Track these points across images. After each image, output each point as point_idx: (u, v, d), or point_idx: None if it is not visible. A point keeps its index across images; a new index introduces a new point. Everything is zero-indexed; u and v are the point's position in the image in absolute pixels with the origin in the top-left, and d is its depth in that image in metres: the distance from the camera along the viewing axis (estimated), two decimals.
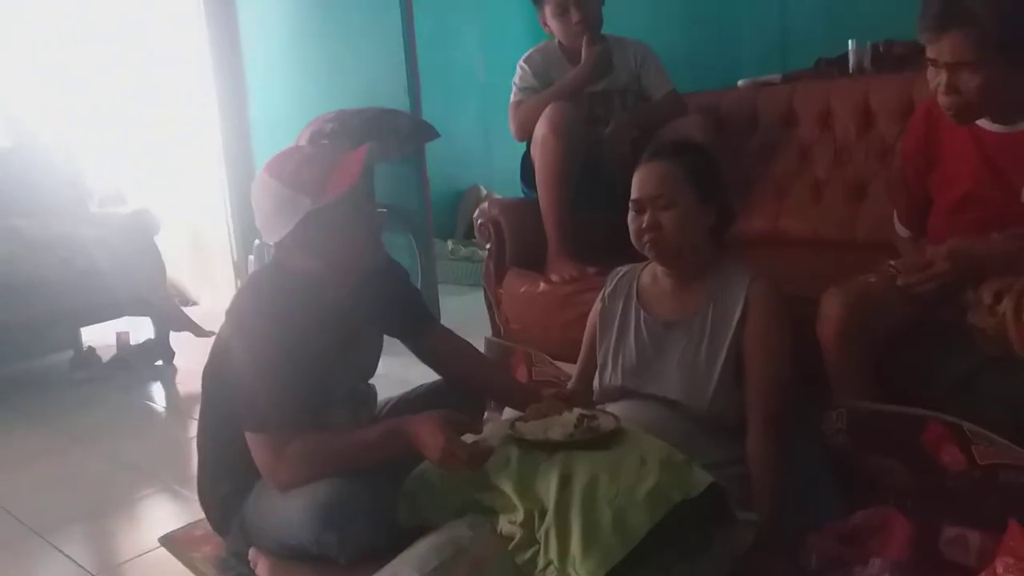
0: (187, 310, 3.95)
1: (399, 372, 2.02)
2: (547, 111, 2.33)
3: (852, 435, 1.63)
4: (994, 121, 1.67)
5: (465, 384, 1.87)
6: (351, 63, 3.73)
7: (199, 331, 3.56)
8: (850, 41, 2.47)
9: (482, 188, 4.92)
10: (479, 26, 4.75)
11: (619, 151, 2.36)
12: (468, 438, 1.54)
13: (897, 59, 2.41)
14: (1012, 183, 1.65)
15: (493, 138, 4.67)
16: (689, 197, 1.66)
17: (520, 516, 1.43)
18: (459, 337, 1.90)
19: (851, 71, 2.49)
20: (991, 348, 1.56)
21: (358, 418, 1.76)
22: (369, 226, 1.66)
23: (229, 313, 1.65)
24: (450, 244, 4.72)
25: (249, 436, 1.57)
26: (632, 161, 1.78)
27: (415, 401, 1.85)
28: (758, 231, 2.50)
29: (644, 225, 1.67)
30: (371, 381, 1.86)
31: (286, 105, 4.09)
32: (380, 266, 1.72)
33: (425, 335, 1.85)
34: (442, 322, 3.67)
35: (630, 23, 2.71)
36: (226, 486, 1.70)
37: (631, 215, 1.71)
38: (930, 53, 1.60)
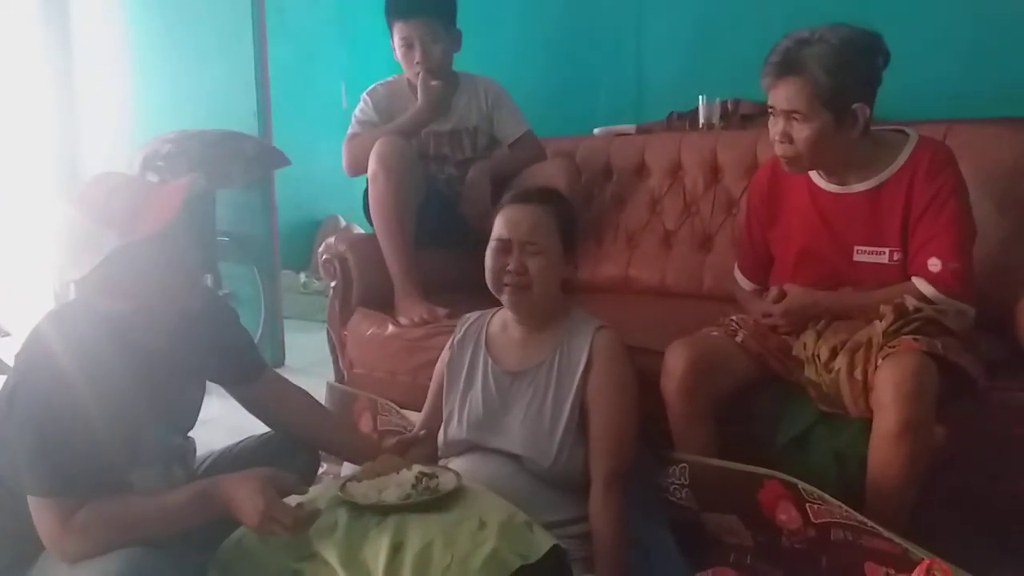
0: None
1: (230, 418, 1.83)
2: (376, 146, 2.27)
3: (694, 491, 1.63)
4: (829, 180, 1.75)
5: (299, 436, 1.72)
6: (197, 82, 3.53)
7: (4, 368, 3.18)
8: (700, 97, 2.55)
9: (341, 218, 4.76)
10: (343, 53, 4.64)
11: (478, 196, 2.32)
12: (293, 499, 1.40)
13: (743, 117, 2.50)
14: (845, 241, 1.73)
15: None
16: (556, 247, 1.65)
17: None
18: (292, 385, 1.76)
19: (701, 126, 2.56)
20: (825, 403, 1.60)
21: (172, 477, 1.57)
22: (188, 266, 1.50)
23: (18, 355, 1.44)
24: (302, 277, 4.52)
25: (31, 500, 1.36)
26: (489, 204, 1.73)
27: (239, 456, 1.68)
28: (609, 278, 2.52)
29: (510, 267, 1.62)
30: (193, 431, 1.68)
31: (122, 123, 3.80)
32: (199, 307, 1.55)
33: (252, 383, 1.69)
34: (287, 361, 3.53)
35: (488, 62, 2.69)
36: (5, 557, 1.46)
37: (493, 254, 1.66)
38: (769, 100, 1.68)
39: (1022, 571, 1.48)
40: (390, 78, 2.53)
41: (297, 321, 3.92)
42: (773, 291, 1.75)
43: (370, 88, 2.49)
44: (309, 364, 3.11)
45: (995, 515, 1.56)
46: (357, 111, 2.47)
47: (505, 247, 1.64)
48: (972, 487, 1.55)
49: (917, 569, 1.18)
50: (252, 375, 1.70)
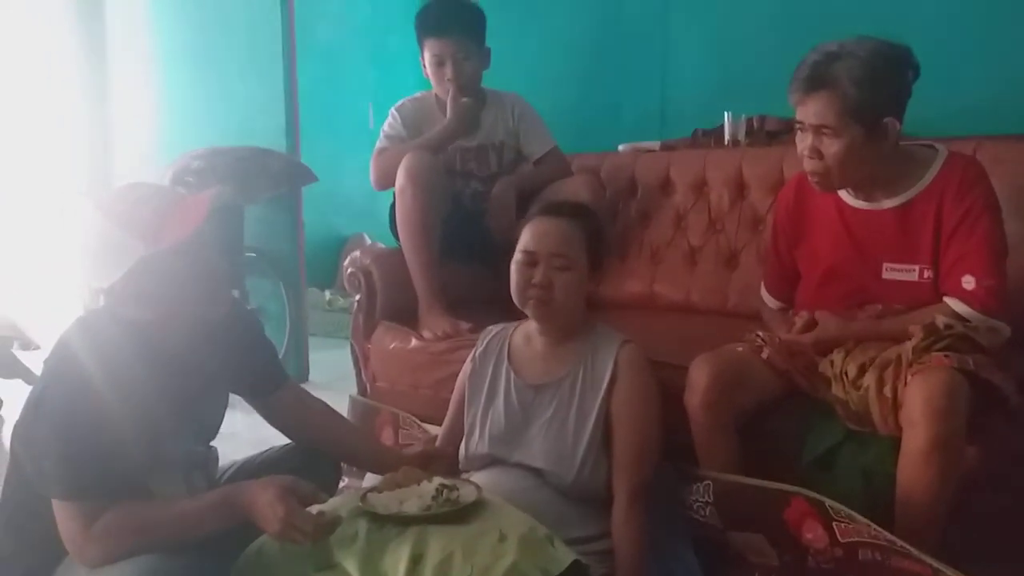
0: (27, 354, 3.59)
1: (254, 431, 1.84)
2: (404, 161, 2.28)
3: (718, 508, 1.60)
4: (857, 197, 1.73)
5: (319, 448, 1.72)
6: (227, 99, 3.60)
7: (31, 378, 3.22)
8: (726, 113, 2.54)
9: (366, 237, 4.80)
10: (372, 73, 4.70)
11: (503, 209, 2.32)
12: (314, 509, 1.40)
13: (769, 133, 2.49)
14: (874, 259, 1.71)
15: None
16: (584, 262, 1.64)
17: None
18: (314, 397, 1.76)
19: (726, 143, 2.55)
20: (853, 421, 1.58)
21: (193, 485, 1.57)
22: (213, 276, 1.51)
23: (47, 362, 1.46)
24: (327, 294, 4.55)
25: (55, 504, 1.37)
26: (514, 219, 1.73)
27: (260, 466, 1.68)
28: (633, 295, 2.50)
29: (536, 281, 1.61)
30: (217, 442, 1.69)
31: (152, 136, 3.87)
32: (225, 318, 1.57)
33: (274, 395, 1.70)
34: (311, 377, 3.55)
35: (514, 79, 2.71)
36: (27, 561, 1.47)
37: (519, 266, 1.65)
38: (798, 116, 1.66)
39: None
40: (418, 94, 2.55)
41: (322, 338, 3.94)
42: (802, 318, 1.72)
43: (398, 103, 2.51)
44: (333, 380, 3.12)
45: None
46: (385, 126, 2.48)
47: (531, 260, 1.63)
48: (1004, 507, 1.50)
49: None
50: (274, 386, 1.71)
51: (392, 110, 2.50)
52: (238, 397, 1.71)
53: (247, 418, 1.74)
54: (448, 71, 2.40)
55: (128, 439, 1.38)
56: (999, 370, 1.49)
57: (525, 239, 1.65)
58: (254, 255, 3.44)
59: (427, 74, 2.48)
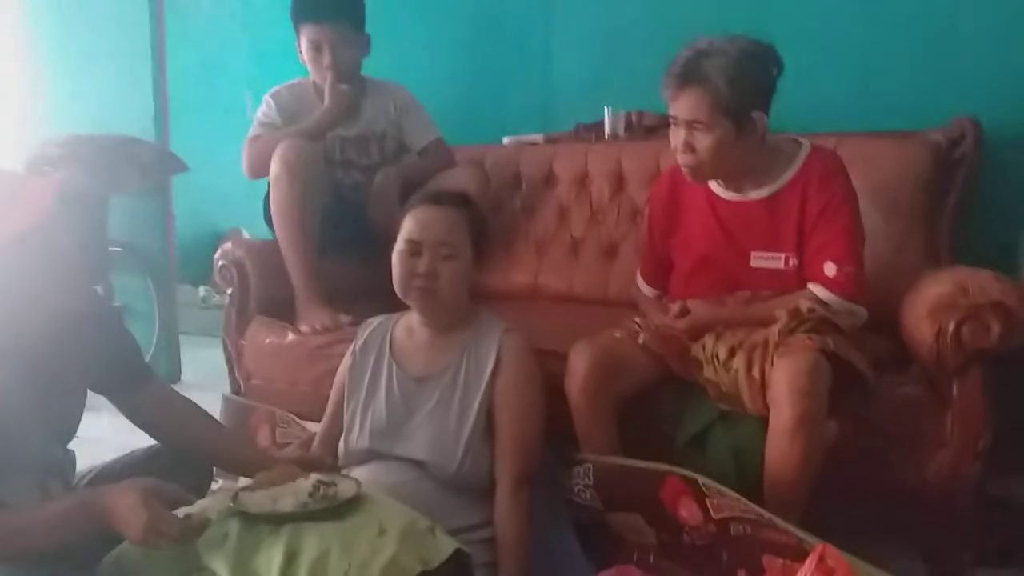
0: None
1: (120, 436, 1.72)
2: (279, 149, 2.22)
3: (598, 490, 1.63)
4: (727, 189, 1.79)
5: (188, 450, 1.64)
6: (90, 85, 3.37)
7: None
8: (606, 108, 2.59)
9: (244, 232, 4.60)
10: (249, 62, 4.52)
11: (385, 200, 2.28)
12: (181, 512, 1.32)
13: (647, 128, 2.55)
14: (743, 248, 1.77)
15: (260, 180, 4.43)
16: (468, 251, 1.63)
17: None
18: (182, 397, 1.67)
19: (607, 136, 2.60)
20: (724, 402, 1.64)
21: (48, 491, 1.46)
22: (65, 267, 1.41)
23: None
24: (202, 291, 4.34)
25: None
26: (397, 210, 1.70)
27: (123, 470, 1.57)
28: (518, 286, 2.52)
29: (420, 270, 1.58)
30: (80, 448, 1.58)
31: (10, 126, 3.59)
32: (80, 312, 1.46)
33: (138, 393, 1.60)
34: (183, 377, 3.38)
35: (396, 70, 2.67)
36: None
37: (402, 256, 1.61)
38: (671, 111, 1.70)
39: (907, 553, 1.54)
40: (294, 80, 2.48)
41: (196, 337, 3.76)
42: (676, 306, 1.77)
43: (273, 90, 2.44)
44: (206, 379, 2.99)
45: (883, 503, 1.61)
46: (259, 113, 2.40)
47: (415, 249, 1.61)
48: (862, 477, 1.59)
49: (810, 556, 1.20)
50: (137, 385, 1.61)
51: (267, 96, 2.42)
52: (103, 399, 1.60)
53: (113, 422, 1.64)
54: (326, 58, 2.34)
55: None
56: (857, 350, 1.58)
57: (409, 228, 1.62)
58: (120, 249, 3.25)
59: (304, 61, 2.41)
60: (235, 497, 1.40)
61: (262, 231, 2.54)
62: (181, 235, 3.56)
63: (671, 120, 1.72)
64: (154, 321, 3.26)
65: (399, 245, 1.63)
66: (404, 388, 1.66)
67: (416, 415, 1.63)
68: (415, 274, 1.59)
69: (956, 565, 1.61)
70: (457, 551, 1.33)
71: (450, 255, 1.60)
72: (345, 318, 2.16)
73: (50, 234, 1.37)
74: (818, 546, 1.22)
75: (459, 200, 1.69)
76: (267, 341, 2.25)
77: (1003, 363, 1.56)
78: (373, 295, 2.09)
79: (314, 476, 1.44)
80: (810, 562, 1.20)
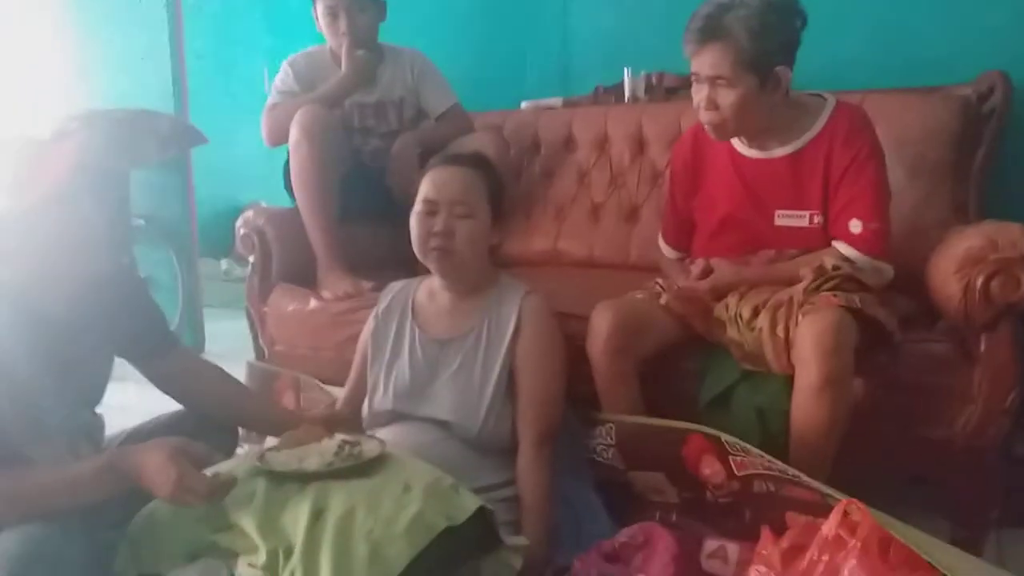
0: None
1: (147, 404, 1.73)
2: (298, 115, 2.21)
3: (620, 450, 1.63)
4: (750, 146, 1.76)
5: (213, 414, 1.65)
6: (107, 59, 3.37)
7: None
8: (625, 69, 2.55)
9: (264, 204, 4.62)
10: (267, 36, 4.51)
11: (405, 166, 2.27)
12: (208, 471, 1.34)
13: (668, 90, 2.52)
14: (767, 206, 1.75)
15: (279, 152, 4.44)
16: (485, 211, 1.62)
17: (263, 557, 1.25)
18: (204, 361, 1.69)
19: (626, 99, 2.57)
20: (748, 362, 1.62)
21: (78, 452, 1.48)
22: (88, 233, 1.42)
23: None
24: (224, 264, 4.37)
25: None
26: (416, 177, 1.69)
27: (151, 433, 1.59)
28: (538, 252, 2.50)
29: (436, 229, 1.58)
30: (108, 415, 1.60)
31: (29, 102, 3.60)
32: (104, 277, 1.48)
33: (162, 358, 1.61)
34: (207, 348, 3.41)
35: (413, 35, 2.65)
36: None
37: (419, 217, 1.61)
38: (693, 67, 1.67)
39: (931, 512, 1.52)
40: (311, 48, 2.47)
41: (219, 309, 3.79)
42: (698, 265, 1.76)
43: (290, 58, 2.42)
44: (230, 351, 3.01)
45: (909, 461, 1.61)
46: (277, 81, 2.39)
47: (432, 209, 1.60)
48: (887, 434, 1.58)
49: (835, 511, 1.20)
50: (162, 349, 1.63)
51: (284, 64, 2.41)
52: (129, 369, 1.62)
53: (140, 390, 1.65)
54: (342, 23, 2.33)
55: (3, 406, 1.30)
56: (883, 307, 1.56)
57: (425, 188, 1.62)
58: (142, 222, 3.28)
59: (320, 28, 2.40)
60: (262, 456, 1.41)
61: (281, 204, 2.55)
62: (202, 209, 3.57)
63: (693, 77, 1.69)
64: (178, 293, 3.28)
65: (416, 206, 1.63)
66: (427, 351, 1.66)
67: (439, 377, 1.63)
68: (432, 233, 1.59)
69: (981, 524, 1.59)
70: (481, 508, 1.34)
71: (466, 214, 1.59)
72: (367, 285, 2.16)
73: (73, 202, 1.39)
74: (843, 501, 1.21)
75: (475, 160, 1.69)
76: (290, 308, 2.26)
77: None
78: (394, 262, 2.10)
79: (339, 436, 1.46)
80: (834, 516, 1.19)
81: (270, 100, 2.38)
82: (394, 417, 1.65)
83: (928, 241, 1.74)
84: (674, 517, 1.57)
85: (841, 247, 1.64)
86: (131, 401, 1.69)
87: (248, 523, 1.28)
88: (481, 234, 1.62)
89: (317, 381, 2.07)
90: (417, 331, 1.69)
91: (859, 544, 1.14)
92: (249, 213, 2.37)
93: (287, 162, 2.29)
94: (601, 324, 1.65)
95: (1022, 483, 1.73)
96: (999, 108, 1.96)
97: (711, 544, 1.43)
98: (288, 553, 1.24)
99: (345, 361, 1.85)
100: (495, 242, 1.67)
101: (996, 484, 1.59)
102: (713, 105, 1.66)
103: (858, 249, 1.63)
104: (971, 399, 1.55)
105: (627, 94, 2.56)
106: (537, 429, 1.57)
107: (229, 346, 3.24)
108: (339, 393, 1.89)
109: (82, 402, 1.55)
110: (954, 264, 1.56)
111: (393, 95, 2.44)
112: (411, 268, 1.76)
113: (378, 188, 2.33)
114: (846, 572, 1.13)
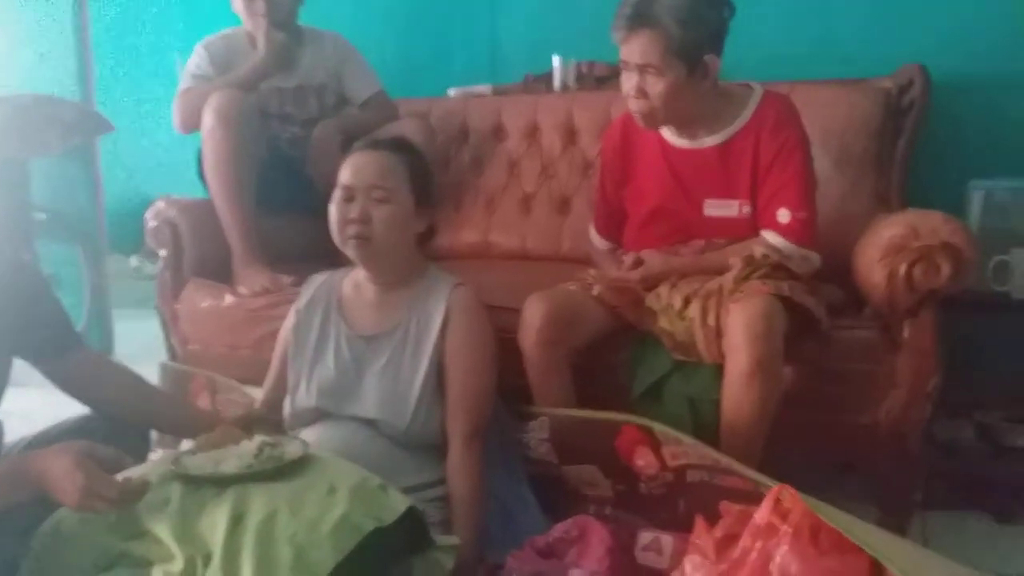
0: None
1: (53, 411, 1.62)
2: (211, 99, 2.12)
3: (553, 443, 1.61)
4: (680, 136, 1.76)
5: (124, 417, 1.55)
6: (7, 42, 3.17)
7: None
8: (555, 58, 2.52)
9: (176, 196, 4.45)
10: (178, 19, 4.33)
11: (325, 155, 2.18)
12: (119, 476, 1.26)
13: (598, 79, 2.50)
14: (696, 196, 1.75)
15: (191, 142, 4.27)
16: (407, 197, 1.56)
17: (179, 565, 1.19)
18: (112, 361, 1.60)
19: (556, 88, 2.54)
20: (679, 351, 1.62)
21: None
22: None
23: None
24: (134, 260, 4.17)
25: None
26: (337, 166, 1.62)
27: (59, 438, 1.48)
28: (469, 244, 2.46)
29: (352, 216, 1.52)
30: (9, 422, 1.50)
31: None
32: (2, 274, 1.37)
33: (66, 359, 1.51)
34: (116, 350, 3.25)
35: (335, 18, 2.56)
36: None
37: (337, 204, 1.55)
38: (622, 55, 1.66)
39: (859, 497, 1.53)
40: (227, 30, 2.36)
41: (129, 309, 3.60)
42: (629, 258, 1.75)
43: (205, 40, 2.32)
44: (141, 352, 2.87)
45: (837, 447, 1.63)
46: (191, 64, 2.28)
47: (349, 195, 1.54)
48: (815, 420, 1.60)
49: (767, 497, 1.19)
50: (63, 348, 1.52)
51: (198, 47, 2.30)
52: (33, 374, 1.51)
53: (43, 394, 1.55)
54: (260, 5, 2.24)
55: None
56: (811, 295, 1.58)
57: (343, 174, 1.57)
58: (45, 216, 3.08)
59: (237, 9, 2.30)
60: (176, 460, 1.34)
61: (197, 195, 2.44)
62: (111, 203, 3.39)
63: (622, 65, 1.68)
64: (84, 291, 3.11)
65: (335, 193, 1.57)
66: (353, 347, 1.60)
67: (366, 374, 1.58)
68: (348, 220, 1.53)
69: (905, 507, 1.63)
70: (410, 508, 1.29)
71: (384, 199, 1.53)
72: (286, 279, 2.08)
73: None
74: (774, 487, 1.21)
75: (395, 144, 1.63)
76: (204, 304, 2.16)
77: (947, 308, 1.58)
78: (315, 256, 2.02)
79: (259, 438, 1.40)
80: (766, 503, 1.19)
81: (183, 84, 2.27)
82: (318, 416, 1.59)
83: (853, 230, 1.78)
84: (608, 510, 1.56)
85: (769, 236, 1.66)
86: (34, 406, 1.58)
87: (163, 530, 1.21)
88: (402, 220, 1.56)
89: (234, 381, 1.97)
90: (343, 326, 1.63)
91: (791, 530, 1.14)
92: (160, 204, 2.26)
93: (200, 150, 2.18)
94: (533, 315, 1.62)
95: (944, 467, 1.78)
96: (918, 100, 2.01)
97: (645, 536, 1.42)
98: (207, 560, 1.17)
99: (263, 360, 1.78)
100: (421, 230, 1.61)
101: (919, 468, 1.64)
102: (642, 93, 1.65)
103: (786, 238, 1.64)
104: (895, 384, 1.58)
105: (557, 82, 2.54)
106: (467, 425, 1.53)
107: (140, 347, 3.08)
108: (258, 393, 1.81)
109: None
110: (878, 252, 1.59)
111: (314, 80, 2.35)
112: (333, 261, 1.70)
113: (298, 177, 2.25)
114: (778, 558, 1.13)
